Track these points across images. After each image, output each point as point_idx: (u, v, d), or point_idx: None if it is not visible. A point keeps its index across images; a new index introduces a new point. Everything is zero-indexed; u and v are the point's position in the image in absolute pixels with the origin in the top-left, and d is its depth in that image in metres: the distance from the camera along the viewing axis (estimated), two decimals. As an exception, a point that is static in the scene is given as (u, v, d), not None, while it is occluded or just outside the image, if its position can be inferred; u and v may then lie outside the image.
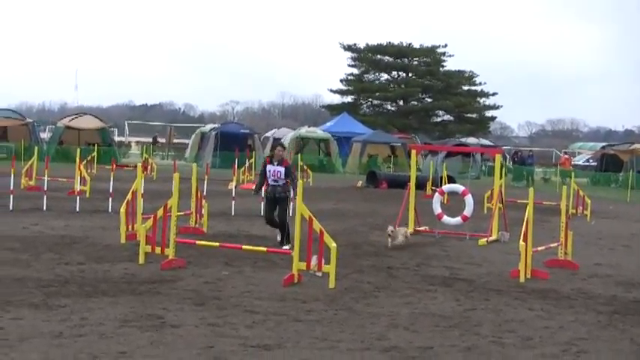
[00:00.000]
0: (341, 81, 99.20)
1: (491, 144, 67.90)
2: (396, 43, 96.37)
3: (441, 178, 33.04)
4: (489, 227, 19.26)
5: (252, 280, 12.46)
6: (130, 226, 16.12)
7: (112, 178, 22.55)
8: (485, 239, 18.61)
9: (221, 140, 53.78)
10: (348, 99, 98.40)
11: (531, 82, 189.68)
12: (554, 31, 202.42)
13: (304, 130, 58.52)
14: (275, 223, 16.24)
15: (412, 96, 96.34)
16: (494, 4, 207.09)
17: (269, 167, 16.02)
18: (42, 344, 8.21)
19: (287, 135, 58.04)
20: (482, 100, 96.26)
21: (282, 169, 15.92)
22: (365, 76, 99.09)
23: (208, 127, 60.66)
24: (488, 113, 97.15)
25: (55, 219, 19.17)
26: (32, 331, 8.71)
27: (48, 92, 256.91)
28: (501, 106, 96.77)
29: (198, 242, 14.52)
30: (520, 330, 9.94)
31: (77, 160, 26.43)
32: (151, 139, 68.18)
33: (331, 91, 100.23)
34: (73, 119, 54.19)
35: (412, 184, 19.98)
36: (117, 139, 66.01)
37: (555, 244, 15.85)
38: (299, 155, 44.34)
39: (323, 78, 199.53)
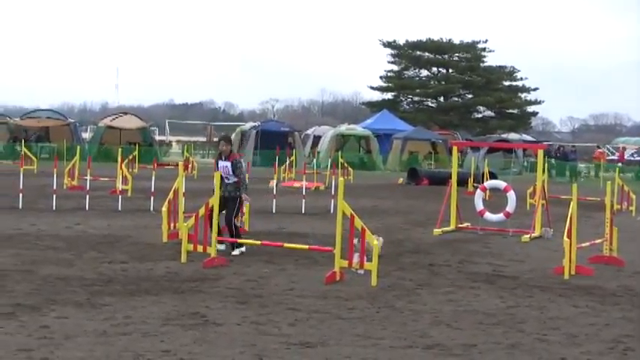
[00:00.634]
0: (381, 78, 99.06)
1: (533, 139, 67.41)
2: (435, 39, 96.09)
3: (483, 174, 32.89)
4: (532, 223, 19.10)
5: (294, 278, 12.45)
6: (171, 225, 16.18)
7: (153, 177, 22.66)
8: (529, 236, 18.45)
9: (261, 138, 53.86)
10: (388, 96, 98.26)
11: (573, 76, 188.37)
12: (596, 23, 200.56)
13: (344, 128, 58.44)
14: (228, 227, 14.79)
15: (452, 92, 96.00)
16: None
17: (220, 163, 15.00)
18: (86, 342, 8.25)
19: (327, 132, 58.03)
20: (523, 96, 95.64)
21: (228, 164, 14.89)
22: (405, 72, 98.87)
23: (248, 125, 60.79)
24: (530, 109, 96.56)
25: (98, 218, 19.30)
26: (77, 329, 8.76)
27: (89, 92, 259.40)
28: (543, 101, 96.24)
29: (239, 240, 14.54)
30: (565, 327, 9.84)
31: (119, 159, 26.61)
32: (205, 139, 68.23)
33: (371, 88, 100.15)
34: (114, 119, 54.58)
35: (453, 180, 19.87)
36: (158, 138, 66.37)
37: (600, 241, 15.65)
38: (339, 153, 44.25)
39: (363, 75, 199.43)
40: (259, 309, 10.18)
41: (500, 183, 21.08)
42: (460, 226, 19.68)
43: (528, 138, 68.24)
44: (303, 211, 22.53)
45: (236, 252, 14.47)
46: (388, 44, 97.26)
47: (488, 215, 19.33)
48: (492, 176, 32.42)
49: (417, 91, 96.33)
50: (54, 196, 21.32)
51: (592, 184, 40.65)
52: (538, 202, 19.44)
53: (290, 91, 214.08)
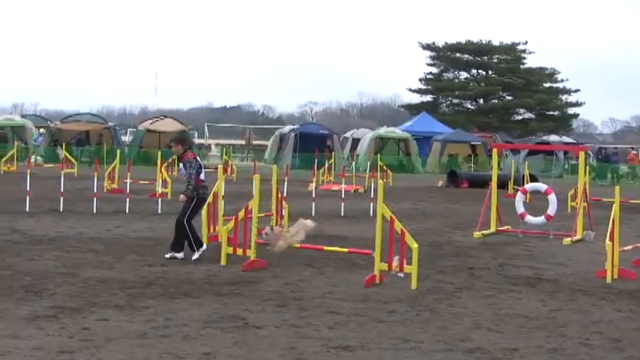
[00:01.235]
0: (420, 80, 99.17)
1: (574, 141, 66.93)
2: (475, 40, 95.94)
3: (523, 176, 32.69)
4: (574, 226, 18.94)
5: (334, 281, 12.43)
6: (211, 228, 16.22)
7: (193, 180, 22.71)
8: (570, 238, 18.30)
9: (300, 141, 53.96)
10: (427, 98, 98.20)
11: (615, 77, 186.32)
12: (637, 24, 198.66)
13: (383, 131, 58.37)
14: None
15: (492, 94, 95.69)
16: None
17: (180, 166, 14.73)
18: (127, 345, 8.29)
19: (366, 135, 57.99)
20: (564, 97, 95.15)
21: (181, 165, 14.68)
22: (444, 74, 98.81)
23: (287, 128, 60.92)
24: (571, 110, 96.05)
25: (138, 221, 19.41)
26: (117, 331, 8.81)
27: (128, 96, 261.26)
28: (584, 103, 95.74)
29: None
30: (608, 331, 9.72)
31: (158, 162, 26.74)
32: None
33: (410, 90, 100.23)
34: (153, 122, 54.97)
35: (494, 183, 19.76)
36: (197, 141, 66.68)
37: (643, 244, 15.49)
38: (378, 155, 44.19)
39: (401, 77, 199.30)
40: (299, 312, 10.17)
41: (541, 185, 20.93)
42: (500, 228, 19.56)
43: (569, 140, 67.76)
44: (342, 214, 22.52)
45: (195, 255, 13.98)
46: (427, 46, 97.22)
47: (529, 218, 19.20)
48: (533, 179, 32.20)
49: (457, 93, 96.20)
50: (94, 200, 21.47)
51: (632, 187, 40.24)
52: (579, 205, 19.28)
53: (328, 94, 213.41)
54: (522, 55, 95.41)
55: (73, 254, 14.10)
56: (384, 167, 39.23)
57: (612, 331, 9.73)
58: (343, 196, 23.72)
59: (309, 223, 14.05)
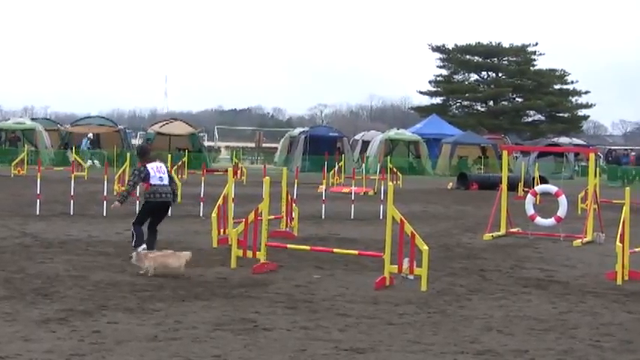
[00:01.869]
0: (430, 82, 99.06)
1: (584, 143, 66.81)
2: (485, 42, 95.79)
3: (533, 178, 32.65)
4: (584, 228, 18.90)
5: (344, 284, 12.43)
6: (221, 231, 16.25)
7: (202, 183, 22.77)
8: (580, 240, 18.26)
9: (310, 144, 53.96)
10: (437, 100, 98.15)
11: (625, 79, 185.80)
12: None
13: (393, 133, 58.33)
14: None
15: (502, 96, 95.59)
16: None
17: None
18: (137, 347, 8.30)
19: (376, 137, 57.98)
20: (574, 99, 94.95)
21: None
22: (454, 76, 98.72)
23: (297, 130, 60.96)
24: (581, 112, 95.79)
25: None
26: (128, 334, 8.82)
27: (138, 99, 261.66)
28: (594, 105, 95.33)
29: (289, 246, 14.54)
30: (619, 333, 9.70)
31: (168, 165, 26.75)
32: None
33: (420, 92, 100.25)
34: (163, 125, 55.04)
35: (504, 185, 19.73)
36: (207, 144, 66.79)
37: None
38: (388, 158, 44.18)
39: (411, 80, 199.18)
40: (309, 314, 10.18)
41: (551, 187, 20.91)
42: (511, 230, 19.53)
43: (579, 142, 67.65)
44: (352, 217, 22.52)
45: (133, 254, 13.53)
46: (437, 48, 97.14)
47: (539, 220, 19.17)
48: (543, 180, 32.16)
49: (467, 95, 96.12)
50: (104, 203, 21.50)
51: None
52: (590, 207, 19.23)
53: (338, 97, 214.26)
54: (532, 56, 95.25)
55: (83, 257, 14.13)
56: (394, 169, 39.23)
57: (623, 333, 9.71)
58: (353, 198, 23.71)
59: (185, 254, 13.52)
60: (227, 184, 16.63)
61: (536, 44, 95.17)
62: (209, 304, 10.57)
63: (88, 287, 11.49)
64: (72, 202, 21.49)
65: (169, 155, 30.89)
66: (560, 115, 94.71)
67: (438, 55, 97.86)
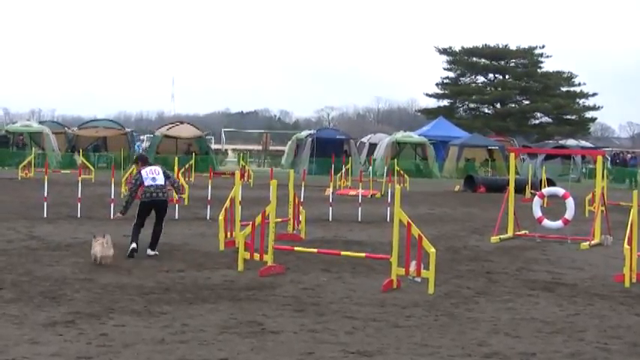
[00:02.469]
0: (436, 85, 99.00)
1: (592, 146, 66.67)
2: (492, 45, 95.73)
3: (540, 181, 32.61)
4: (591, 230, 18.87)
5: (351, 286, 12.42)
6: (228, 233, 16.26)
7: (209, 186, 22.78)
8: (588, 243, 18.23)
9: (317, 146, 53.95)
10: (444, 103, 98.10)
11: (632, 81, 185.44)
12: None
13: (400, 135, 58.28)
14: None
15: (509, 98, 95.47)
16: (593, 1, 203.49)
17: None
18: (145, 350, 8.31)
19: (383, 140, 57.95)
20: (581, 101, 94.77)
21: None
22: (461, 79, 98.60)
23: (304, 133, 60.94)
24: (588, 114, 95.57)
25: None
26: (135, 337, 8.83)
27: (145, 102, 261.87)
28: (601, 107, 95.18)
29: (296, 248, 14.55)
30: (627, 336, 9.68)
31: (175, 168, 26.78)
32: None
33: (427, 95, 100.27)
34: (170, 128, 55.07)
35: (511, 187, 19.72)
36: (214, 146, 66.81)
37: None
38: (395, 160, 44.15)
39: (418, 82, 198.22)
40: (316, 317, 10.17)
41: (558, 190, 20.89)
42: (518, 233, 19.52)
43: (586, 144, 67.52)
44: (359, 219, 22.51)
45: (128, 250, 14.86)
46: (444, 51, 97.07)
47: (546, 222, 19.14)
48: (550, 183, 32.13)
49: (474, 97, 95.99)
50: (111, 205, 21.52)
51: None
52: (597, 209, 19.20)
53: (345, 99, 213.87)
54: (539, 59, 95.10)
55: (90, 260, 14.13)
56: (401, 172, 39.21)
57: (631, 336, 9.69)
58: (360, 200, 23.70)
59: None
60: (234, 187, 16.63)
61: (543, 46, 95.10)
62: (216, 307, 10.57)
63: (95, 290, 11.51)
64: (79, 204, 21.52)
65: (176, 158, 30.84)
66: (568, 117, 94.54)
67: (444, 57, 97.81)
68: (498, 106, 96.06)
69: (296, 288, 12.15)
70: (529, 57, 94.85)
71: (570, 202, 19.03)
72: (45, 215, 20.73)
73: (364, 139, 64.43)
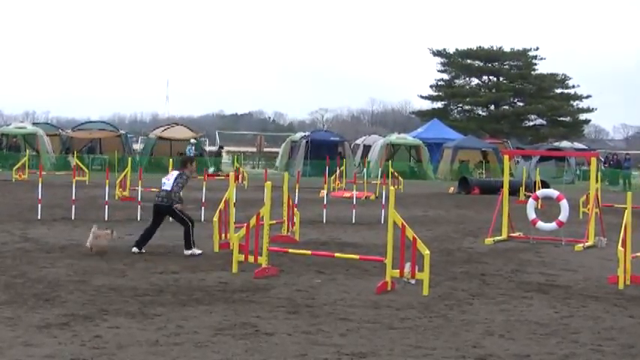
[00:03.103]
0: (431, 87, 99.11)
1: (586, 148, 66.76)
2: (486, 47, 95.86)
3: (535, 183, 32.66)
4: (586, 232, 18.89)
5: (345, 288, 12.42)
6: (222, 235, 16.25)
7: (204, 188, 22.78)
8: (582, 245, 18.25)
9: (311, 148, 54.00)
10: (439, 105, 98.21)
11: (626, 83, 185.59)
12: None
13: (394, 137, 58.36)
14: None
15: (503, 100, 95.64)
16: (587, 3, 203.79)
17: None
18: (139, 352, 8.30)
19: (377, 142, 57.99)
20: (575, 103, 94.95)
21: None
22: (455, 81, 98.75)
23: (298, 135, 60.99)
24: (582, 116, 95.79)
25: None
26: (129, 339, 8.82)
27: (140, 103, 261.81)
28: (595, 109, 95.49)
29: (290, 250, 14.54)
30: (621, 338, 9.69)
31: (169, 170, 26.71)
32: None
33: (421, 97, 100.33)
34: (165, 130, 55.10)
35: (505, 189, 19.73)
36: (208, 148, 66.79)
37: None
38: (389, 162, 44.17)
39: (412, 84, 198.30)
40: (310, 319, 10.17)
41: (552, 192, 20.90)
42: (512, 235, 19.54)
43: (580, 146, 67.62)
44: (353, 221, 22.51)
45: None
46: (438, 53, 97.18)
47: (540, 224, 19.15)
48: (544, 185, 32.17)
49: (468, 99, 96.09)
50: (106, 207, 21.51)
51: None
52: (591, 211, 19.22)
53: (340, 101, 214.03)
54: (533, 61, 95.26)
55: (84, 262, 14.13)
56: (396, 174, 39.23)
57: (625, 338, 9.70)
58: (354, 202, 23.71)
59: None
60: (229, 189, 16.63)
61: (537, 49, 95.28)
62: (210, 309, 10.57)
63: (90, 292, 11.49)
64: (73, 206, 21.49)
65: (170, 160, 30.82)
66: (562, 119, 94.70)
67: (439, 59, 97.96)
68: (492, 108, 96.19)
69: (290, 290, 12.15)
70: (523, 59, 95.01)
71: (564, 204, 19.05)
72: (39, 217, 20.72)
73: (358, 141, 64.51)
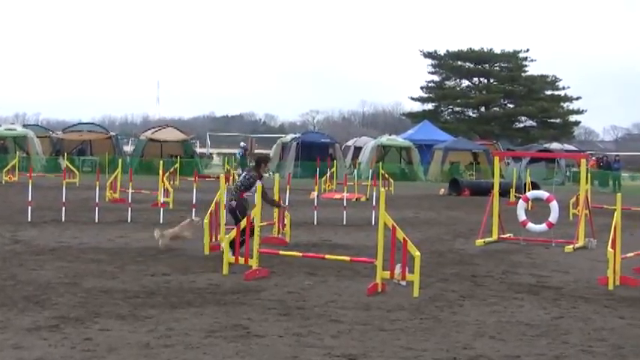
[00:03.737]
0: (421, 88, 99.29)
1: (576, 149, 66.94)
2: (476, 49, 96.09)
3: (525, 184, 32.70)
4: (576, 234, 18.93)
5: (336, 290, 12.42)
6: (213, 237, 16.24)
7: (194, 190, 22.76)
8: (572, 246, 18.29)
9: (302, 150, 54.03)
10: (429, 106, 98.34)
11: (616, 85, 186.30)
12: (639, 31, 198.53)
13: (385, 139, 58.41)
14: None
15: (494, 102, 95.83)
16: (577, 5, 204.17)
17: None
18: (130, 355, 8.28)
19: (368, 143, 58.03)
20: (565, 105, 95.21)
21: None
22: (446, 82, 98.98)
23: (289, 136, 60.98)
24: (572, 118, 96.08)
25: (140, 231, 19.40)
26: (120, 341, 8.80)
27: (130, 105, 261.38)
28: (585, 111, 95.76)
29: (281, 252, 14.54)
30: (611, 338, 9.72)
31: (160, 172, 26.72)
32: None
33: (412, 98, 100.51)
34: (155, 132, 55.05)
35: (495, 191, 19.75)
36: (199, 150, 66.75)
37: (644, 250, 15.46)
38: (380, 164, 44.20)
39: (403, 86, 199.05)
40: (301, 321, 10.17)
41: (542, 193, 20.93)
42: (502, 236, 19.56)
43: (570, 148, 67.80)
44: (344, 223, 22.52)
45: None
46: (429, 55, 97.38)
47: (530, 226, 19.17)
48: (535, 186, 32.22)
49: (458, 101, 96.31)
50: (96, 209, 21.48)
51: (637, 194, 40.19)
52: (581, 212, 19.26)
53: (330, 103, 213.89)
54: (524, 63, 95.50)
55: (75, 264, 14.10)
56: (386, 175, 39.26)
57: (615, 338, 9.72)
58: (345, 204, 23.72)
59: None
60: (219, 191, 16.62)
61: (528, 50, 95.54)
62: (201, 311, 10.56)
63: (80, 294, 11.46)
64: (63, 208, 21.44)
65: (161, 162, 30.77)
66: (552, 121, 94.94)
67: (429, 61, 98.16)
68: (483, 109, 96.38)
69: (281, 292, 12.14)
70: (513, 61, 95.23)
71: (554, 206, 19.07)
72: (29, 219, 20.66)
73: (349, 143, 64.58)
